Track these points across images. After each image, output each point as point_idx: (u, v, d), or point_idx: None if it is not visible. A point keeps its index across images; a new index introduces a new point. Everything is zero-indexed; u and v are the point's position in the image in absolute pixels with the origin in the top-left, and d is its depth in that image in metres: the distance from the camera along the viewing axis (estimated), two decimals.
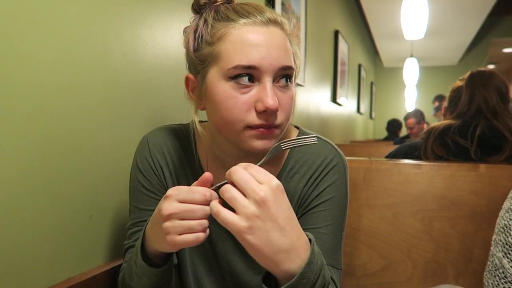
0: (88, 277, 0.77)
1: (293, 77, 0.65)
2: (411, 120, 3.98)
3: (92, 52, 0.79)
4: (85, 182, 0.79)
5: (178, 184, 0.72)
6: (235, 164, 0.53)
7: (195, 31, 0.65)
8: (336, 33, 3.56)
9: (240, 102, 0.60)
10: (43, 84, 0.68)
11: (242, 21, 0.61)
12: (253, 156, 0.65)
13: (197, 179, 0.60)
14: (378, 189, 1.08)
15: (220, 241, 0.76)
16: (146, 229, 0.65)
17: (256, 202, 0.48)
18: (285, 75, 0.63)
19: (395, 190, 1.08)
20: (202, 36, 0.64)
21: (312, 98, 2.83)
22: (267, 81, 0.60)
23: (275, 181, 0.50)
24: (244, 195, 0.49)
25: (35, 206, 0.68)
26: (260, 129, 0.61)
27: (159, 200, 0.65)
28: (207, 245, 0.77)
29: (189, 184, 0.65)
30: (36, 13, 0.66)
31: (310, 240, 0.54)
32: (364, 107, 5.95)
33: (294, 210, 0.56)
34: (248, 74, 0.60)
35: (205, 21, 0.65)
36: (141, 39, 0.93)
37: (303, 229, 0.55)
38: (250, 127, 0.61)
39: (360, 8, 4.83)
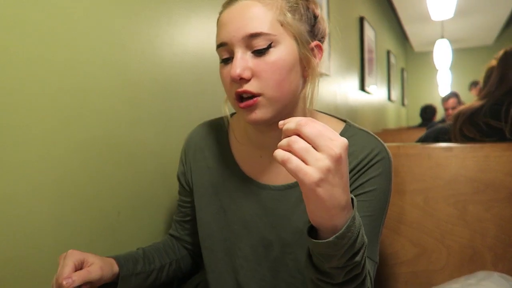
0: None
1: (276, 43, 0.64)
2: (453, 100, 3.80)
3: (109, 51, 0.80)
4: (112, 180, 0.81)
5: (213, 174, 0.80)
6: (273, 146, 0.56)
7: None
8: (361, 20, 3.47)
9: (224, 76, 0.68)
10: (62, 86, 0.70)
11: (224, 9, 0.68)
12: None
13: (229, 166, 0.76)
14: (407, 174, 1.05)
15: (256, 228, 0.75)
16: None
17: (331, 156, 0.48)
18: (259, 43, 0.64)
19: (425, 175, 1.04)
20: None
21: (339, 88, 2.78)
22: (236, 51, 0.65)
23: (345, 140, 0.50)
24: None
25: (67, 205, 0.70)
26: (239, 103, 0.66)
27: (185, 193, 0.86)
28: (244, 235, 0.76)
29: (222, 172, 0.79)
30: (55, 17, 0.68)
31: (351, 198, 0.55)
32: (395, 95, 5.78)
33: None
34: (226, 51, 0.66)
35: None
36: (159, 37, 0.94)
37: None
38: (236, 99, 0.67)
39: None
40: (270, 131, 0.72)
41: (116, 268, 0.70)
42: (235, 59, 0.64)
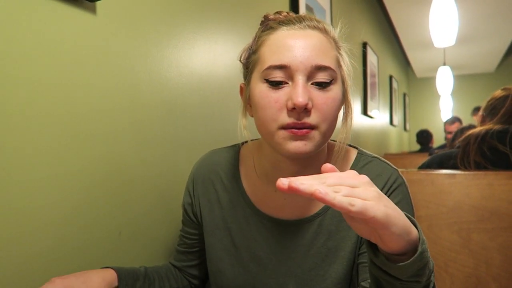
0: None
1: (335, 80, 0.65)
2: (457, 124, 3.80)
3: (118, 73, 0.81)
4: (115, 200, 0.81)
5: (224, 208, 0.78)
6: None
7: (249, 45, 0.72)
8: (365, 45, 3.52)
9: (273, 101, 0.63)
10: (69, 106, 0.71)
11: (281, 27, 0.66)
12: (307, 169, 0.67)
13: (240, 202, 0.73)
14: None
15: (271, 263, 0.74)
16: None
17: (367, 182, 0.47)
18: (323, 77, 0.63)
19: (428, 202, 1.03)
20: (251, 47, 0.71)
21: (342, 112, 2.79)
22: (299, 79, 0.62)
23: (365, 177, 0.48)
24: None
25: (70, 223, 0.70)
26: (293, 129, 0.62)
27: (191, 225, 0.83)
28: (258, 273, 0.74)
29: (233, 207, 0.76)
30: (64, 38, 0.70)
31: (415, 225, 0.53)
32: (397, 119, 5.81)
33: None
34: (281, 74, 0.63)
35: (255, 36, 0.71)
36: (166, 59, 0.96)
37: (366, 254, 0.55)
38: (284, 128, 0.62)
39: (389, 19, 4.77)
40: (294, 166, 0.70)
41: (115, 282, 0.70)
42: (299, 86, 0.61)
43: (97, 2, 0.75)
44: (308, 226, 0.71)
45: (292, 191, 0.42)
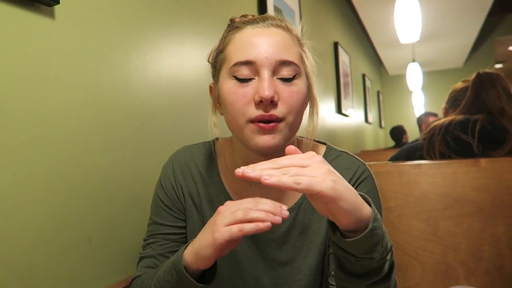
0: None
1: (299, 75, 0.68)
2: (433, 118, 3.89)
3: (81, 77, 0.81)
4: (83, 206, 0.80)
5: (202, 202, 0.77)
6: None
7: (217, 46, 0.74)
8: (336, 45, 3.58)
9: (240, 96, 0.65)
10: (31, 109, 0.70)
11: (246, 27, 0.69)
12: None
13: (219, 195, 0.73)
14: (380, 192, 1.07)
15: (246, 257, 0.75)
16: (185, 248, 0.64)
17: (321, 160, 0.51)
18: (287, 72, 0.66)
19: (396, 193, 1.06)
20: (218, 48, 0.73)
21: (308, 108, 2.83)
22: (264, 73, 0.64)
23: (314, 153, 0.53)
24: None
25: (37, 230, 0.69)
26: (260, 124, 0.64)
27: (177, 216, 0.77)
28: (232, 262, 0.76)
29: (211, 201, 0.76)
30: (25, 41, 0.69)
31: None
32: (372, 117, 5.91)
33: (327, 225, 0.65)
34: (247, 70, 0.65)
35: (222, 36, 0.73)
36: (132, 62, 0.96)
37: None
38: (252, 121, 0.65)
39: (358, 18, 4.86)
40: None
41: None
42: (265, 80, 0.64)
43: (56, 6, 0.75)
44: (282, 222, 0.73)
45: (245, 178, 0.49)
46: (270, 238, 0.74)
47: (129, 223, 0.93)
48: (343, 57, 3.81)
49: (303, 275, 0.73)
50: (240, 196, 0.75)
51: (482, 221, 0.99)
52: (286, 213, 0.53)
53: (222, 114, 0.73)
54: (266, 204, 0.54)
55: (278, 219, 0.52)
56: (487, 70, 1.44)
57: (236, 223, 0.54)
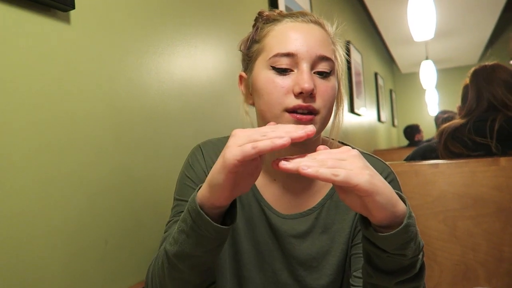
0: None
1: (333, 72, 0.70)
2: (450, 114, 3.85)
3: (96, 81, 0.81)
4: (99, 208, 0.81)
5: None
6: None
7: (249, 37, 0.75)
8: (348, 44, 3.56)
9: (279, 86, 0.66)
10: (48, 115, 0.71)
11: (285, 20, 0.71)
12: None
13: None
14: None
15: (267, 249, 0.76)
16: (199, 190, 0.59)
17: (357, 155, 0.51)
18: (325, 67, 0.68)
19: (413, 193, 1.05)
20: (252, 38, 0.74)
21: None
22: (304, 66, 0.66)
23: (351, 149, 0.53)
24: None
25: (55, 234, 0.70)
26: (298, 115, 0.65)
27: None
28: (253, 256, 0.76)
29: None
30: (41, 47, 0.69)
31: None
32: (385, 115, 5.85)
33: (353, 225, 0.70)
34: (287, 62, 0.66)
35: (257, 27, 0.74)
36: (145, 65, 0.96)
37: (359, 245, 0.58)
38: (288, 111, 0.66)
39: (370, 17, 4.81)
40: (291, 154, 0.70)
41: None
42: (305, 73, 0.65)
43: (71, 12, 0.75)
44: (304, 220, 0.74)
45: (281, 169, 0.48)
46: (290, 234, 0.74)
47: (144, 225, 0.93)
48: (355, 55, 3.78)
49: (321, 274, 0.73)
50: (263, 190, 0.76)
51: (502, 221, 0.97)
52: (311, 128, 0.51)
53: (251, 104, 0.74)
54: (287, 126, 0.52)
55: (300, 133, 0.50)
56: (485, 63, 1.41)
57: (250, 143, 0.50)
